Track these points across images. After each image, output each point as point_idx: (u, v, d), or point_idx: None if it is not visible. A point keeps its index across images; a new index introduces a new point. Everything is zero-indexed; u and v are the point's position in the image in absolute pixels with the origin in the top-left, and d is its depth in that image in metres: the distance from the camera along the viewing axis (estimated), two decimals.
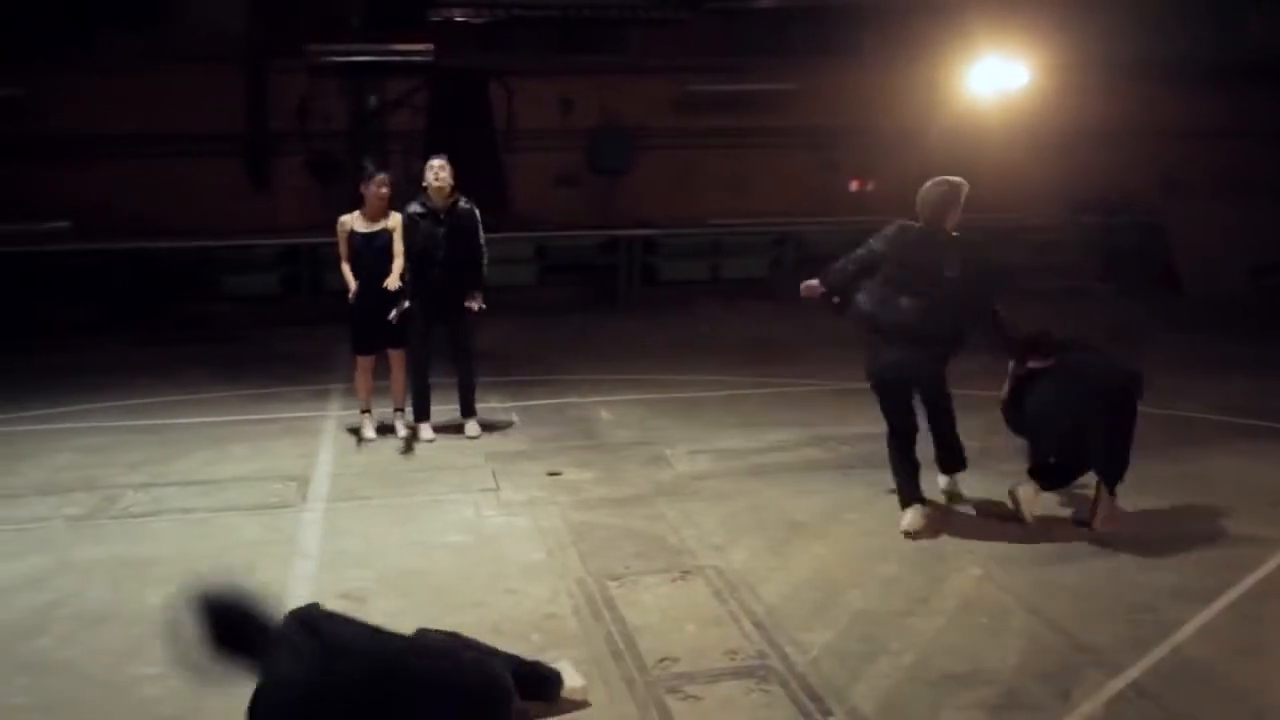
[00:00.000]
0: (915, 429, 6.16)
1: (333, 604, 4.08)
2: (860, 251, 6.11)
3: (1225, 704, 4.26)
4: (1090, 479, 6.02)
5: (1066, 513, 6.12)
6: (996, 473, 6.49)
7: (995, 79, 11.49)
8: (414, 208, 7.60)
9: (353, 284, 7.57)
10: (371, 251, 7.57)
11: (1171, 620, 4.87)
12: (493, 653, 4.04)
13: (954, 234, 6.08)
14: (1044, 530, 5.92)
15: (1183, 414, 7.89)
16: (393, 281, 7.45)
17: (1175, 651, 4.61)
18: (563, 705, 4.16)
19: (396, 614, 4.59)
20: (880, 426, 6.19)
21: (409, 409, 7.89)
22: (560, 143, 14.47)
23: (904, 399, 6.13)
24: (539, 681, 4.14)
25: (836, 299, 6.15)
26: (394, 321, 7.45)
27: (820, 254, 13.60)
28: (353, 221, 7.63)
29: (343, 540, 5.95)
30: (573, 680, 4.23)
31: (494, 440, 7.83)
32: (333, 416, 8.47)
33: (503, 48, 14.40)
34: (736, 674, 4.46)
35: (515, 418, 8.40)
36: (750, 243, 14.72)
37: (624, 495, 6.63)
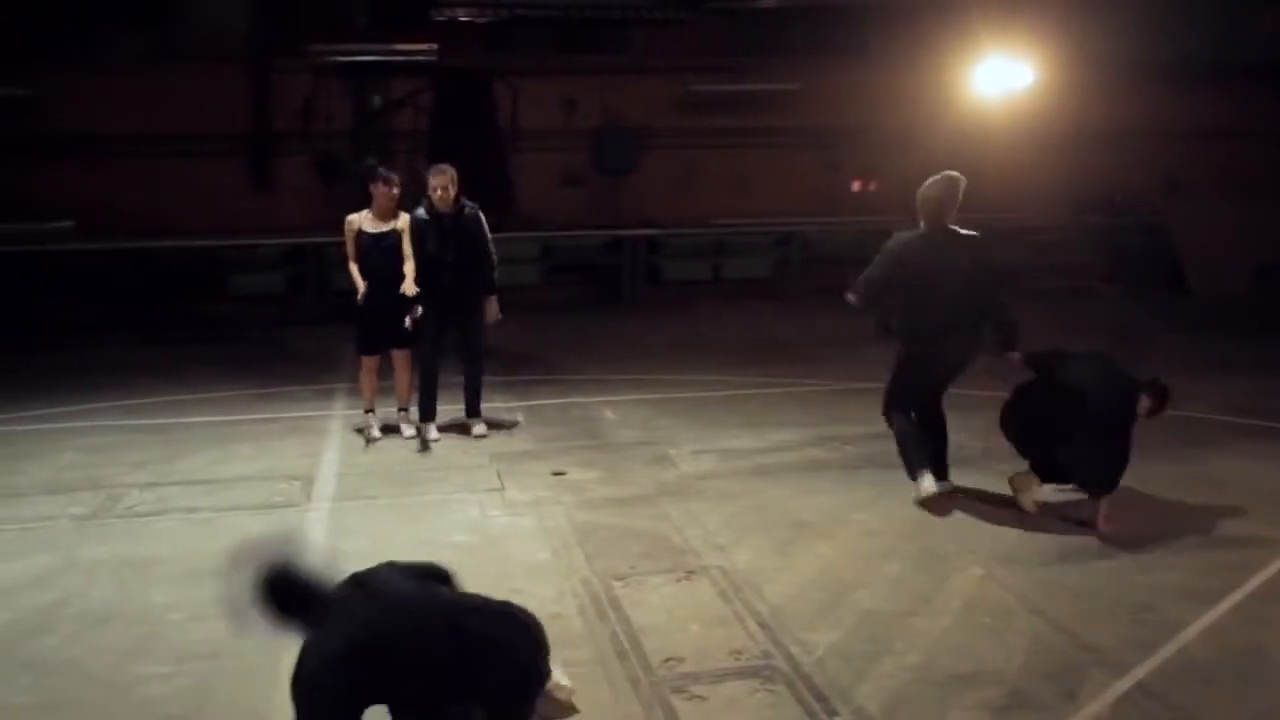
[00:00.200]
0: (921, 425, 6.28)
1: None
2: (875, 274, 6.25)
3: (1231, 705, 4.25)
4: None
5: (1068, 513, 6.11)
6: (996, 472, 6.49)
7: (998, 79, 11.47)
8: (420, 213, 7.60)
9: (361, 284, 7.56)
10: (379, 252, 7.56)
11: (1175, 621, 4.87)
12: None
13: (956, 231, 6.09)
14: (1046, 530, 5.92)
15: (1186, 414, 7.87)
16: (409, 287, 7.43)
17: (1181, 652, 4.61)
18: (549, 703, 4.07)
19: None
20: (880, 427, 6.19)
21: (413, 408, 7.90)
22: (564, 143, 14.49)
23: (938, 390, 6.37)
24: None
25: (885, 328, 6.45)
26: (410, 328, 7.45)
27: (824, 254, 13.79)
28: (361, 221, 7.61)
29: (348, 540, 5.93)
30: (559, 678, 4.17)
31: (499, 440, 7.84)
32: (338, 416, 8.48)
33: (506, 48, 14.42)
34: (741, 674, 4.46)
35: (520, 417, 8.40)
36: (753, 243, 14.73)
37: (628, 495, 6.63)
